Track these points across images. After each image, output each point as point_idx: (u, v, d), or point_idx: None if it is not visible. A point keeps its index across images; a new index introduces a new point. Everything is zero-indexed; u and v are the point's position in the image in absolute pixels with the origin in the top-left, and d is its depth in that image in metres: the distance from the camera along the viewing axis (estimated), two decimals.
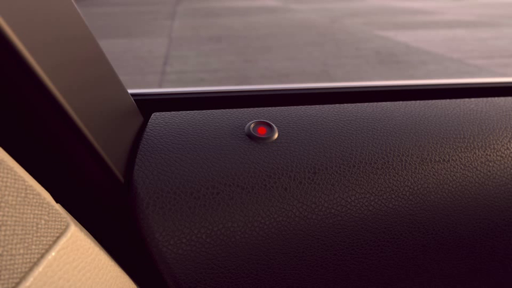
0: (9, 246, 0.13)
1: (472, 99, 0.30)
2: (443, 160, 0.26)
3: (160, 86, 3.72)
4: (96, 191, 0.21)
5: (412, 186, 0.26)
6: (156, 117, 0.29)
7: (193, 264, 0.23)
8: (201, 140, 0.26)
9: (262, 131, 0.27)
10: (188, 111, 0.29)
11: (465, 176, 0.26)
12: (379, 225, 0.25)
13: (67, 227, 0.16)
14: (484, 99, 0.30)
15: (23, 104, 0.18)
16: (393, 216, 0.25)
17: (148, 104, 0.33)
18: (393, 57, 4.70)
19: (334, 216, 0.24)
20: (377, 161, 0.26)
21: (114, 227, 0.23)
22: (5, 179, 0.13)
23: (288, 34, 6.38)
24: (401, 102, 0.30)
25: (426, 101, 0.30)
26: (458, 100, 0.30)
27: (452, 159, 0.26)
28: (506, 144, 0.27)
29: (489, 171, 0.26)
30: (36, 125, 0.19)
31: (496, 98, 0.30)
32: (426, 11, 8.90)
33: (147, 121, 0.28)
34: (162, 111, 0.30)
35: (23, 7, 0.18)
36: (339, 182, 0.25)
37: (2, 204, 0.13)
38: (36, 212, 0.14)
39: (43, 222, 0.15)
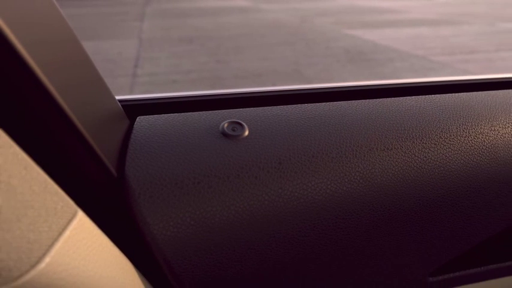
0: (32, 226, 0.16)
1: (413, 97, 0.35)
2: (387, 148, 0.32)
3: (131, 89, 3.65)
4: (94, 186, 0.25)
5: (361, 172, 0.31)
6: (141, 120, 0.33)
7: (180, 244, 0.27)
8: (182, 138, 0.31)
9: (234, 130, 0.31)
10: (169, 114, 0.34)
11: (405, 161, 0.32)
12: (336, 206, 0.30)
13: (76, 212, 0.19)
14: (423, 96, 0.35)
15: (23, 103, 0.20)
16: (347, 197, 0.30)
17: (133, 109, 0.36)
18: (362, 56, 4.84)
19: (297, 199, 0.29)
20: (332, 151, 0.31)
21: (110, 215, 0.26)
22: (23, 172, 0.16)
23: (260, 34, 6.43)
24: (353, 101, 0.36)
25: (374, 100, 0.37)
26: (401, 98, 0.37)
27: (394, 148, 0.32)
28: (440, 133, 0.33)
29: (425, 157, 0.32)
30: (37, 126, 0.21)
31: (433, 96, 0.35)
32: (392, 10, 9.20)
33: (133, 124, 0.32)
34: (146, 115, 0.34)
35: (18, 10, 0.19)
36: (301, 170, 0.30)
37: (28, 193, 0.16)
38: (54, 199, 0.18)
39: (59, 207, 0.18)
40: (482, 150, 0.34)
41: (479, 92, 0.39)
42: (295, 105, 0.35)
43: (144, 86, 3.72)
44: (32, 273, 0.16)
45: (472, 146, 0.34)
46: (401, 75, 4.01)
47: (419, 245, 0.33)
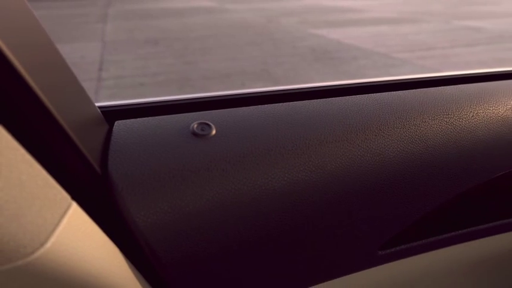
0: (39, 213, 0.19)
1: (357, 96, 0.39)
2: (335, 140, 0.37)
3: (97, 93, 3.55)
4: (81, 182, 0.28)
5: (314, 161, 0.36)
6: (119, 124, 0.36)
7: (160, 229, 0.31)
8: (157, 138, 0.34)
9: (203, 129, 0.35)
10: (145, 118, 0.37)
11: (350, 151, 0.37)
12: (293, 191, 0.35)
13: (70, 203, 0.23)
14: (365, 95, 0.39)
15: (10, 104, 0.22)
16: (302, 183, 0.35)
17: (111, 114, 0.39)
18: (327, 54, 4.96)
19: (259, 187, 0.34)
20: (288, 145, 0.36)
21: (97, 207, 0.29)
22: (30, 170, 0.19)
23: (227, 34, 6.43)
24: (306, 101, 0.42)
25: (324, 99, 0.42)
26: (347, 97, 0.42)
27: (341, 140, 0.37)
28: (379, 126, 0.39)
29: (367, 147, 0.38)
30: (28, 127, 0.24)
31: (374, 94, 0.41)
32: (354, 9, 9.49)
33: (112, 128, 0.36)
34: (123, 119, 0.38)
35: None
36: (262, 162, 0.35)
37: (34, 187, 0.19)
38: (54, 192, 0.21)
39: (58, 199, 0.21)
40: (415, 139, 0.39)
41: (413, 90, 0.44)
42: (257, 106, 0.40)
43: (110, 90, 3.63)
44: (42, 250, 0.19)
45: (406, 136, 0.39)
46: (365, 72, 4.16)
47: (368, 223, 0.39)
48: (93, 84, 3.81)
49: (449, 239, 0.44)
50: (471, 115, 0.42)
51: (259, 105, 0.40)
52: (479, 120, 0.42)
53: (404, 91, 0.44)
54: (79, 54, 4.98)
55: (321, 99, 0.42)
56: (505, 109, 0.43)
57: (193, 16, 8.59)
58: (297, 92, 0.44)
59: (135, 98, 0.42)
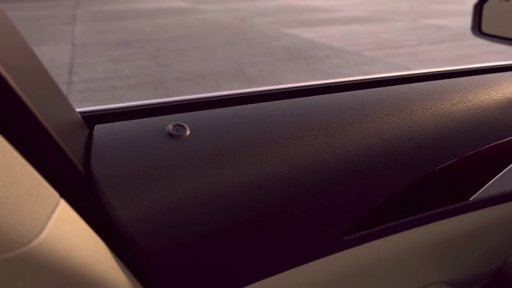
0: (33, 208, 0.22)
1: (318, 96, 0.42)
2: (299, 137, 0.41)
3: (68, 97, 3.45)
4: (67, 182, 0.30)
5: (280, 156, 0.39)
6: (99, 127, 0.38)
7: (141, 222, 0.33)
8: (135, 140, 0.37)
9: (178, 130, 0.38)
10: (123, 122, 0.40)
11: (313, 145, 0.41)
12: (262, 183, 0.38)
13: (59, 200, 0.25)
14: (326, 95, 0.42)
15: (2, 112, 0.24)
16: (270, 176, 0.39)
17: (90, 119, 0.41)
18: (301, 53, 5.04)
19: (230, 181, 0.37)
20: (257, 142, 0.39)
21: (83, 204, 0.31)
22: (24, 170, 0.21)
23: (200, 35, 6.40)
24: (272, 102, 0.45)
25: (289, 100, 0.46)
26: (311, 97, 0.47)
27: (305, 136, 0.41)
28: (339, 123, 0.43)
29: (328, 141, 0.42)
30: (16, 131, 0.25)
31: (333, 94, 0.44)
32: (326, 9, 9.66)
33: (92, 131, 0.38)
34: (102, 123, 0.40)
35: None
36: (233, 158, 0.38)
37: (29, 185, 0.21)
38: (45, 190, 0.23)
39: (48, 196, 0.24)
40: (371, 134, 0.43)
41: (369, 89, 0.48)
42: (228, 108, 0.43)
43: (81, 94, 3.54)
44: (37, 240, 0.22)
45: (363, 131, 0.43)
46: (338, 71, 4.25)
47: (332, 211, 0.42)
48: (63, 88, 3.69)
49: (407, 223, 0.47)
50: (421, 111, 0.46)
51: (230, 107, 0.43)
52: (428, 115, 0.46)
53: (361, 90, 0.48)
54: (47, 58, 4.82)
55: (287, 100, 0.45)
56: (451, 104, 0.47)
57: (166, 17, 8.49)
58: (264, 93, 0.47)
59: (108, 101, 0.43)
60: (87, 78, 4.06)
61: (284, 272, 0.43)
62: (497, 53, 4.64)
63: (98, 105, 0.43)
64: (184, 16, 8.65)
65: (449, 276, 0.57)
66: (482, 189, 0.50)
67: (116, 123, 0.39)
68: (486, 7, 0.70)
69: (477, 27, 0.71)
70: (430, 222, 0.49)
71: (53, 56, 4.92)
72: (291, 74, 4.18)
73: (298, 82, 0.51)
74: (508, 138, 0.48)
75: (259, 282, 0.41)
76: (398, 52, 5.01)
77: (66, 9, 9.95)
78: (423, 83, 0.51)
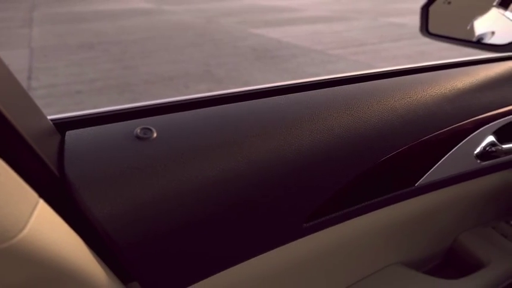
0: (17, 205, 0.24)
1: (277, 97, 0.46)
2: (257, 135, 0.44)
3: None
4: (43, 184, 0.32)
5: (241, 152, 0.43)
6: (70, 133, 0.40)
7: (114, 219, 0.35)
8: (105, 144, 0.39)
9: (145, 133, 0.41)
10: (93, 127, 0.42)
11: (271, 142, 0.45)
12: (225, 179, 0.41)
13: (38, 200, 0.27)
14: (283, 96, 0.46)
15: None
16: (232, 172, 0.42)
17: (61, 125, 0.42)
18: (268, 53, 5.10)
19: (195, 177, 0.40)
20: (220, 141, 0.43)
21: (59, 203, 0.33)
22: (5, 172, 0.23)
23: (166, 37, 6.31)
24: (234, 104, 0.49)
25: (248, 102, 0.50)
26: (267, 99, 0.50)
27: (262, 134, 0.45)
28: (294, 121, 0.47)
29: (285, 138, 0.45)
30: None
31: (290, 95, 0.48)
32: (291, 8, 9.80)
33: (64, 137, 0.40)
34: (73, 129, 0.42)
35: None
36: (198, 156, 0.41)
37: (13, 186, 0.24)
38: (26, 190, 0.26)
39: (29, 196, 0.26)
40: (323, 130, 0.47)
41: (323, 89, 0.53)
42: (192, 111, 0.46)
43: (42, 100, 3.39)
44: (21, 235, 0.23)
45: (316, 127, 0.47)
46: (305, 69, 4.35)
47: (291, 200, 0.46)
48: None
49: (361, 208, 0.52)
50: (367, 107, 0.51)
51: (194, 110, 0.46)
52: (374, 111, 0.51)
53: (314, 91, 0.53)
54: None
55: (246, 102, 0.49)
56: (393, 101, 0.53)
57: (129, 18, 8.29)
58: (225, 96, 0.50)
59: (72, 107, 0.45)
60: (48, 83, 3.90)
61: (250, 260, 0.46)
62: (452, 49, 4.91)
63: (61, 111, 0.45)
64: (148, 17, 8.48)
65: (406, 257, 0.63)
66: (426, 175, 0.55)
67: (86, 128, 0.41)
68: (432, 9, 0.77)
69: (425, 28, 0.78)
70: (383, 207, 0.54)
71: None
72: (259, 73, 4.22)
73: (266, 81, 0.54)
74: (444, 129, 0.54)
75: (227, 270, 0.44)
76: (362, 50, 5.19)
77: (22, 12, 9.47)
78: (370, 82, 0.56)
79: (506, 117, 0.58)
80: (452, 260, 0.70)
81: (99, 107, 0.45)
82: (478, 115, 0.56)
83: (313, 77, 0.54)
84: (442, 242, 0.68)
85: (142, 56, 5.00)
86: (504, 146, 0.60)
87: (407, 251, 0.63)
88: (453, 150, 0.56)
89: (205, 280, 0.43)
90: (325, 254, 0.53)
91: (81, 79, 4.04)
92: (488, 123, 0.57)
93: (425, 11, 0.78)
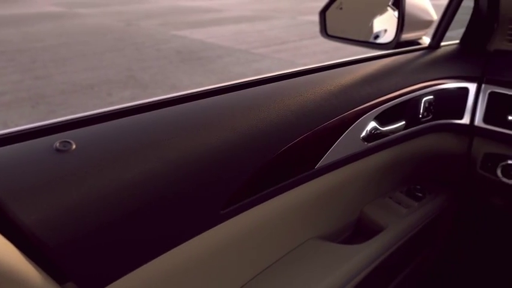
0: None
1: (187, 104, 0.50)
2: (172, 137, 0.49)
3: None
4: None
5: (157, 154, 0.48)
6: None
7: (42, 223, 0.38)
8: (27, 158, 0.42)
9: (65, 146, 0.44)
10: (12, 145, 0.43)
11: (183, 144, 0.49)
12: (141, 179, 0.45)
13: None
14: (193, 102, 0.51)
15: None
16: (149, 172, 0.46)
17: None
18: (193, 55, 5.07)
19: (116, 180, 0.43)
20: (135, 148, 0.46)
21: None
22: None
23: (82, 42, 5.91)
24: (149, 113, 0.53)
25: (160, 110, 0.54)
26: (179, 105, 0.56)
27: (176, 137, 0.50)
28: (205, 123, 0.53)
29: (194, 138, 0.51)
30: None
31: (201, 100, 0.52)
32: (214, 9, 9.82)
33: None
34: None
35: None
36: (115, 162, 0.44)
37: None
38: None
39: None
40: (228, 128, 0.54)
41: (235, 92, 0.60)
42: (108, 122, 0.49)
43: None
44: None
45: (221, 127, 0.53)
46: (231, 69, 4.42)
47: (207, 191, 0.51)
48: None
49: (273, 191, 0.59)
50: (266, 107, 0.58)
51: (111, 121, 0.50)
52: (272, 109, 0.59)
53: (220, 96, 0.59)
54: None
55: (158, 110, 0.53)
56: (288, 99, 0.61)
57: (36, 24, 7.58)
58: (142, 106, 0.54)
59: None
60: None
61: (172, 250, 0.50)
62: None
63: None
64: (59, 22, 7.84)
65: (321, 232, 0.71)
66: (322, 158, 0.64)
67: (7, 147, 0.43)
68: (328, 14, 0.86)
69: (324, 31, 0.87)
70: (290, 189, 0.62)
71: None
72: (186, 76, 4.19)
73: (193, 83, 0.58)
74: (333, 119, 0.63)
75: (153, 260, 0.48)
76: (284, 48, 5.42)
77: None
78: (268, 85, 0.64)
79: (382, 105, 0.70)
80: (360, 230, 0.80)
81: (10, 126, 0.45)
82: (360, 105, 0.67)
83: (240, 77, 0.59)
84: (350, 215, 0.79)
85: (56, 65, 4.63)
86: (383, 129, 0.72)
87: (321, 227, 0.72)
88: (343, 135, 0.65)
89: (134, 271, 0.46)
90: (245, 236, 0.59)
91: None
92: (369, 111, 0.68)
93: (322, 15, 0.88)
